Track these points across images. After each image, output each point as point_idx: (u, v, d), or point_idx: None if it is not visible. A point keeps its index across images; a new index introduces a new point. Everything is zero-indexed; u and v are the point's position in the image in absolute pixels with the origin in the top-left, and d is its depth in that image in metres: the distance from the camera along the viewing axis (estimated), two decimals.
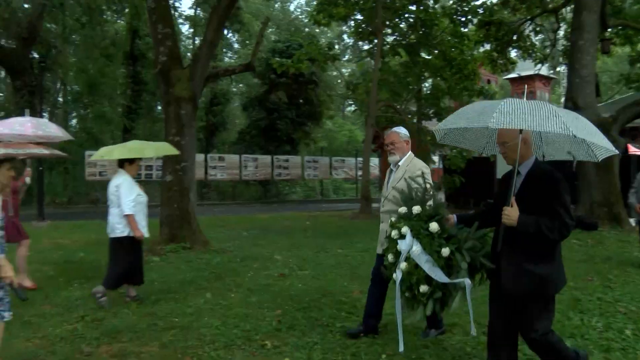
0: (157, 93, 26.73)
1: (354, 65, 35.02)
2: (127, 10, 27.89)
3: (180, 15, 33.50)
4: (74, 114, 32.79)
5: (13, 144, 4.65)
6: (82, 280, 7.67)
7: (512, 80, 34.67)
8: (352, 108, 33.00)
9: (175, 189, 10.26)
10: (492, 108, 3.39)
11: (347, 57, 40.55)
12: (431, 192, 4.27)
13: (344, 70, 39.43)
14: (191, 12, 33.29)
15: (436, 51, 20.47)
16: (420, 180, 4.42)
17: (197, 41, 31.73)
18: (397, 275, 4.04)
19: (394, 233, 4.13)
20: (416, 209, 4.07)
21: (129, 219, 6.35)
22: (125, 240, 6.42)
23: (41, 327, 5.45)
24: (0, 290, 3.83)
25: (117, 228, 6.42)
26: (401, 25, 20.96)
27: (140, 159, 6.80)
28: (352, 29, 22.64)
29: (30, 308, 6.17)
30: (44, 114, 25.19)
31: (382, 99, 20.22)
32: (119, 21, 30.35)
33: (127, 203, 6.33)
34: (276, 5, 43.45)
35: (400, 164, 5.01)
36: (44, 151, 5.13)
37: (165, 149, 7.58)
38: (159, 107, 29.75)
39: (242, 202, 26.57)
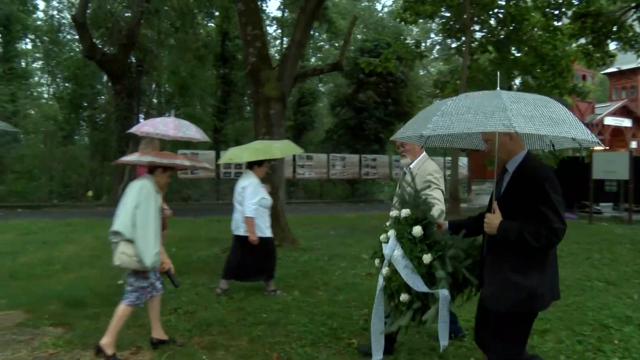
0: (247, 93, 27.43)
1: (442, 64, 34.40)
2: (217, 13, 28.80)
3: (268, 16, 34.17)
4: (167, 115, 34.15)
5: (162, 154, 5.06)
6: (175, 275, 7.95)
7: (611, 75, 32.88)
8: None
9: None
10: (436, 110, 3.12)
11: (434, 55, 39.88)
12: (422, 195, 3.92)
13: (431, 68, 38.84)
14: (278, 13, 33.89)
15: (526, 47, 19.70)
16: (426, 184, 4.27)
17: (285, 42, 32.29)
18: (379, 281, 3.86)
19: (382, 237, 3.95)
20: (405, 212, 3.80)
21: (248, 221, 6.61)
22: (246, 239, 6.69)
23: (139, 317, 5.71)
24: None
25: (242, 227, 6.73)
26: (490, 21, 20.30)
27: (269, 161, 7.01)
28: (440, 26, 22.23)
29: None
30: (141, 115, 26.43)
31: None
32: (209, 24, 31.35)
33: (249, 205, 6.58)
34: (363, 4, 43.40)
35: (411, 166, 4.75)
36: (186, 163, 5.42)
37: (290, 148, 7.71)
38: (248, 107, 30.50)
39: (330, 201, 26.70)
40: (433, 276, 3.52)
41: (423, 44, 26.98)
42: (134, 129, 6.88)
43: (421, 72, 35.32)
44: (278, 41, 35.05)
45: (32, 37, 34.18)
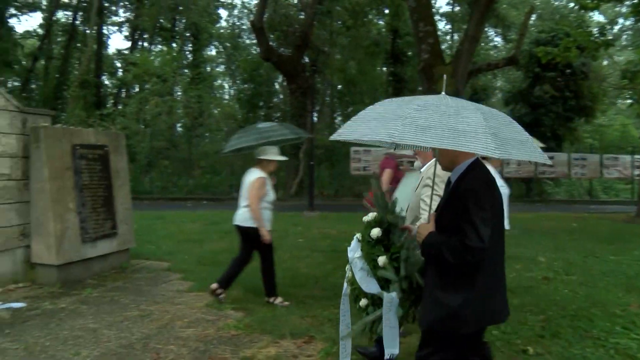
0: (418, 90, 27.26)
1: (632, 51, 31.34)
2: (387, 11, 28.97)
3: (437, 11, 33.67)
4: (339, 113, 35.17)
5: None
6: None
7: None
8: (629, 101, 29.59)
9: None
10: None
11: (623, 42, 36.51)
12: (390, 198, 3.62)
13: (619, 57, 35.58)
14: (448, 8, 33.21)
15: None
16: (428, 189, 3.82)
17: (456, 38, 31.59)
18: (344, 285, 3.67)
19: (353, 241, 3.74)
20: (370, 215, 3.58)
21: None
22: None
23: (312, 308, 5.95)
24: None
25: None
26: None
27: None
28: (630, 10, 20.20)
29: (303, 289, 6.80)
30: (314, 114, 27.41)
31: None
32: (380, 22, 31.63)
33: None
34: None
35: (422, 170, 4.50)
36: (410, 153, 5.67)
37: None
38: None
39: None
40: (389, 280, 3.31)
41: (610, 30, 24.82)
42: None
43: (605, 62, 32.49)
44: (448, 36, 34.40)
45: (216, 44, 37.11)
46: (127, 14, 35.00)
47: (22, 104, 7.54)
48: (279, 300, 6.25)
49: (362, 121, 2.96)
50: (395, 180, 6.78)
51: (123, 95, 33.19)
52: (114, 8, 34.68)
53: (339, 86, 32.89)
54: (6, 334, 5.19)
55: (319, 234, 12.04)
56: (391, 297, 3.23)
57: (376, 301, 3.36)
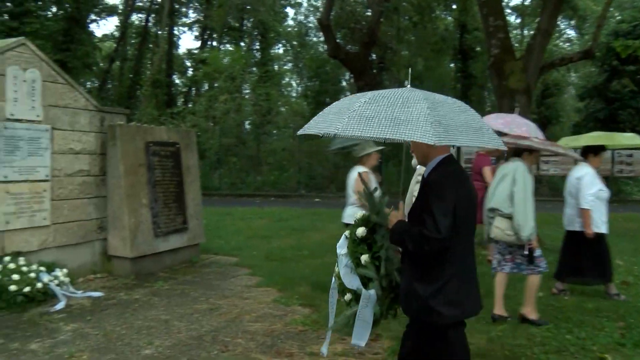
0: (487, 86, 26.69)
1: None
2: (455, 6, 28.47)
3: (507, 5, 32.75)
4: None
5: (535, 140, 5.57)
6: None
7: None
8: None
9: None
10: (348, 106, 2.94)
11: None
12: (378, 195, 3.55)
13: None
14: (518, 1, 32.24)
15: None
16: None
17: (526, 32, 30.65)
18: (332, 280, 3.70)
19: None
20: (359, 214, 3.60)
21: (584, 213, 6.20)
22: (580, 235, 6.31)
23: None
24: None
25: (577, 221, 6.35)
26: None
27: (604, 151, 6.55)
28: None
29: None
30: None
31: None
32: (447, 17, 31.11)
33: (585, 197, 6.17)
34: None
35: (418, 167, 4.50)
36: (560, 150, 5.64)
37: (636, 139, 7.31)
38: (489, 101, 29.65)
39: None
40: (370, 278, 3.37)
41: None
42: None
43: None
44: (516, 30, 33.40)
45: (283, 42, 37.51)
46: (197, 15, 35.99)
47: (100, 104, 7.88)
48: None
49: (323, 115, 3.11)
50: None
51: (193, 94, 34.09)
52: (184, 10, 35.69)
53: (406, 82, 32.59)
54: (87, 320, 5.50)
55: None
56: (368, 295, 3.30)
57: (359, 296, 3.41)
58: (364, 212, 3.61)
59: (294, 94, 39.54)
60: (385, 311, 3.38)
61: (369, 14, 25.90)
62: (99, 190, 7.50)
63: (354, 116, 2.78)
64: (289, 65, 39.90)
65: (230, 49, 30.68)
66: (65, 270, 6.56)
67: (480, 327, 5.25)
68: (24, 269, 6.11)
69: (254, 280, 7.33)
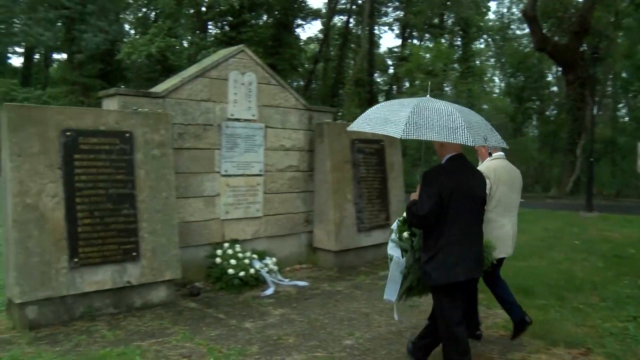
0: None
1: None
2: None
3: None
4: (623, 103, 31.71)
5: None
6: (635, 278, 7.30)
7: None
8: None
9: None
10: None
11: None
12: None
13: None
14: None
15: None
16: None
17: None
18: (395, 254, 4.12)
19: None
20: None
21: None
22: None
23: (589, 317, 5.48)
24: None
25: None
26: None
27: None
28: None
29: (579, 295, 6.31)
30: (594, 106, 25.15)
31: None
32: None
33: None
34: None
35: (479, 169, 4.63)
36: None
37: None
38: None
39: None
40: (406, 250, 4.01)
41: None
42: None
43: None
44: None
45: (485, 36, 36.29)
46: (397, 13, 36.34)
47: (307, 103, 8.34)
48: None
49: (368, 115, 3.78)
50: None
51: (394, 92, 34.51)
52: (384, 9, 36.26)
53: (623, 74, 29.48)
54: (293, 307, 5.88)
55: (598, 236, 11.01)
56: (399, 260, 4.00)
57: (410, 270, 4.02)
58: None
59: (497, 90, 38.14)
60: (416, 281, 3.98)
61: (580, 0, 23.98)
62: (306, 185, 7.94)
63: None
64: (491, 61, 38.55)
65: (431, 46, 30.50)
66: (274, 259, 7.09)
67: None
68: (240, 255, 6.73)
69: None
